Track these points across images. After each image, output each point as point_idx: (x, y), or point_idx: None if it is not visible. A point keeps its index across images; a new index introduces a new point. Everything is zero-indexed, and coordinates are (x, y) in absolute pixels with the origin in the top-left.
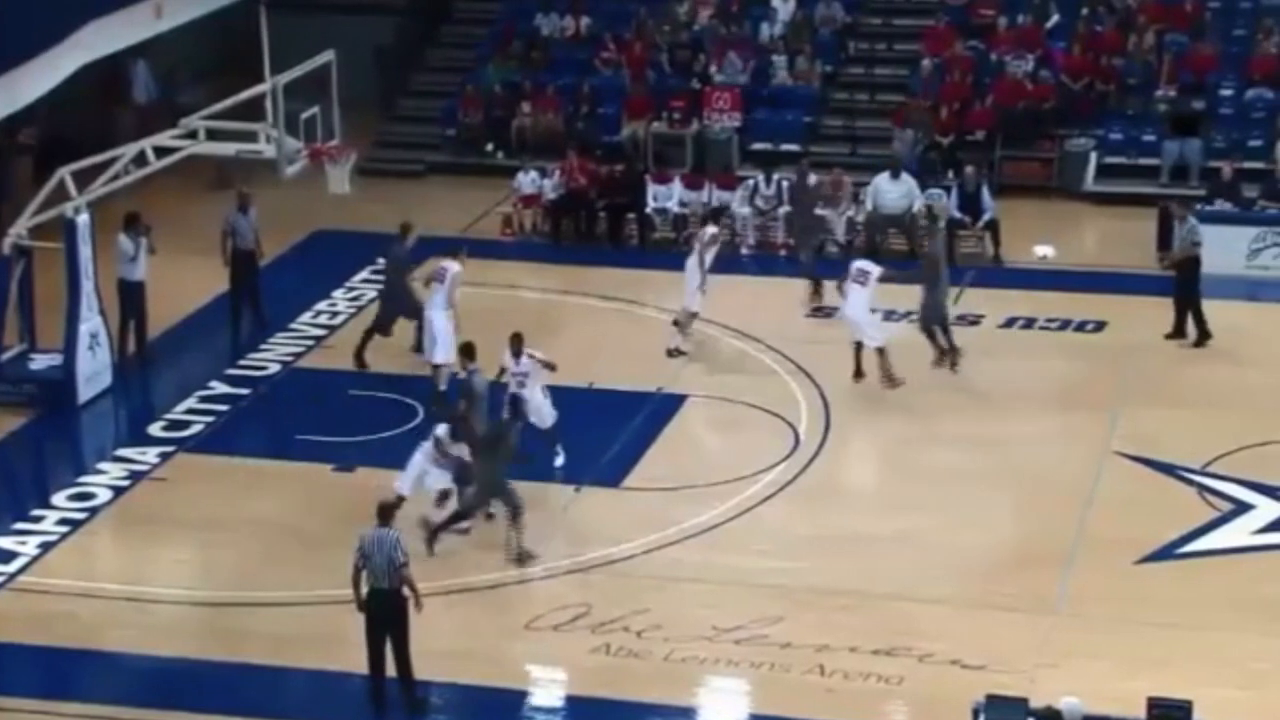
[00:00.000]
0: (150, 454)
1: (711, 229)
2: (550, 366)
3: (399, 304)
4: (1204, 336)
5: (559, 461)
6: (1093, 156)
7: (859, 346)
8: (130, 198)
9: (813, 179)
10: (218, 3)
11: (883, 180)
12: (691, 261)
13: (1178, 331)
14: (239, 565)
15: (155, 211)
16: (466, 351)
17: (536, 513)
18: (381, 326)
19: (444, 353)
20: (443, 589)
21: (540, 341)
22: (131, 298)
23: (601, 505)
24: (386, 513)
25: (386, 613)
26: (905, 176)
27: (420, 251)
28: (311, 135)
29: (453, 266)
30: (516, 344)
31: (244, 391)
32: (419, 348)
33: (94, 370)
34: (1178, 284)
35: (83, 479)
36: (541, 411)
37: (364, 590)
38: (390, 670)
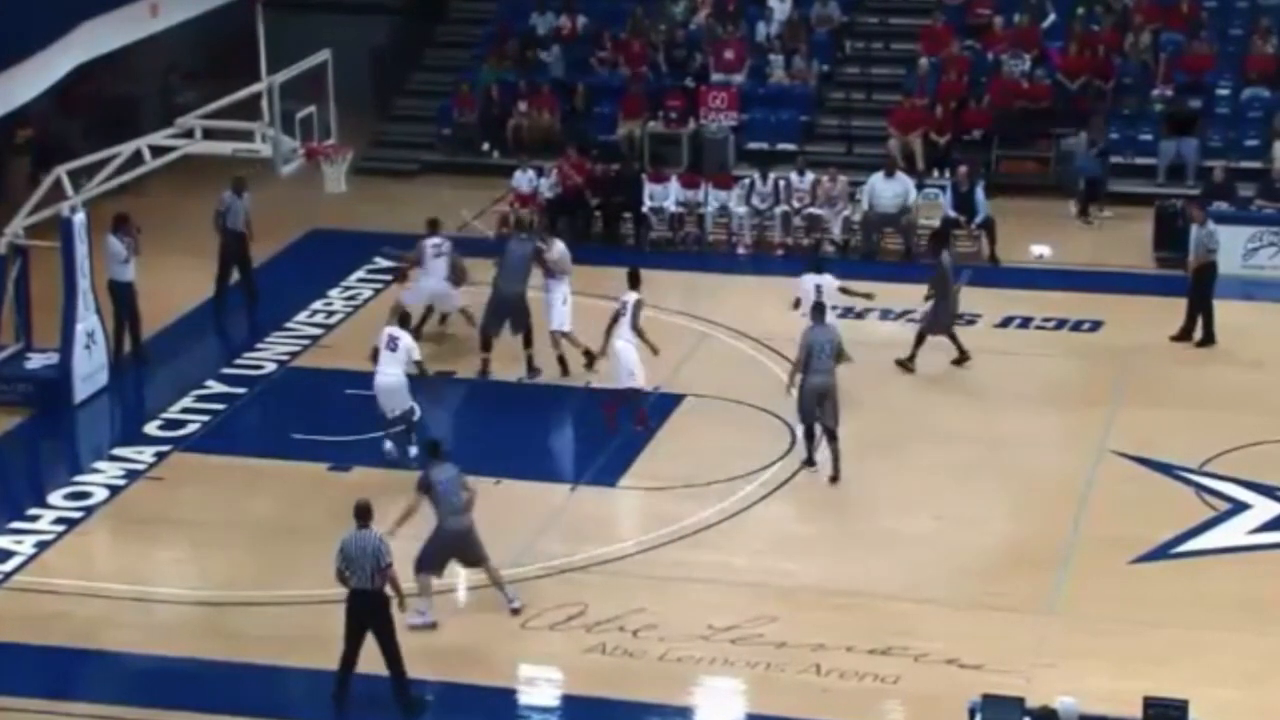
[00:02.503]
0: (146, 453)
1: (634, 295)
2: None
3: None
4: (1208, 340)
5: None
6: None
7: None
8: (126, 198)
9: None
10: (214, 2)
11: (878, 180)
12: (624, 338)
13: (1185, 334)
14: (235, 564)
15: (151, 212)
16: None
17: (534, 512)
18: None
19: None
20: (438, 588)
21: (536, 341)
22: (122, 298)
23: (597, 504)
24: (364, 514)
25: (370, 613)
26: (901, 176)
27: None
28: (307, 134)
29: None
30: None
31: (240, 391)
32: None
33: (90, 369)
34: (1193, 288)
35: (79, 478)
36: None
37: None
38: (381, 669)
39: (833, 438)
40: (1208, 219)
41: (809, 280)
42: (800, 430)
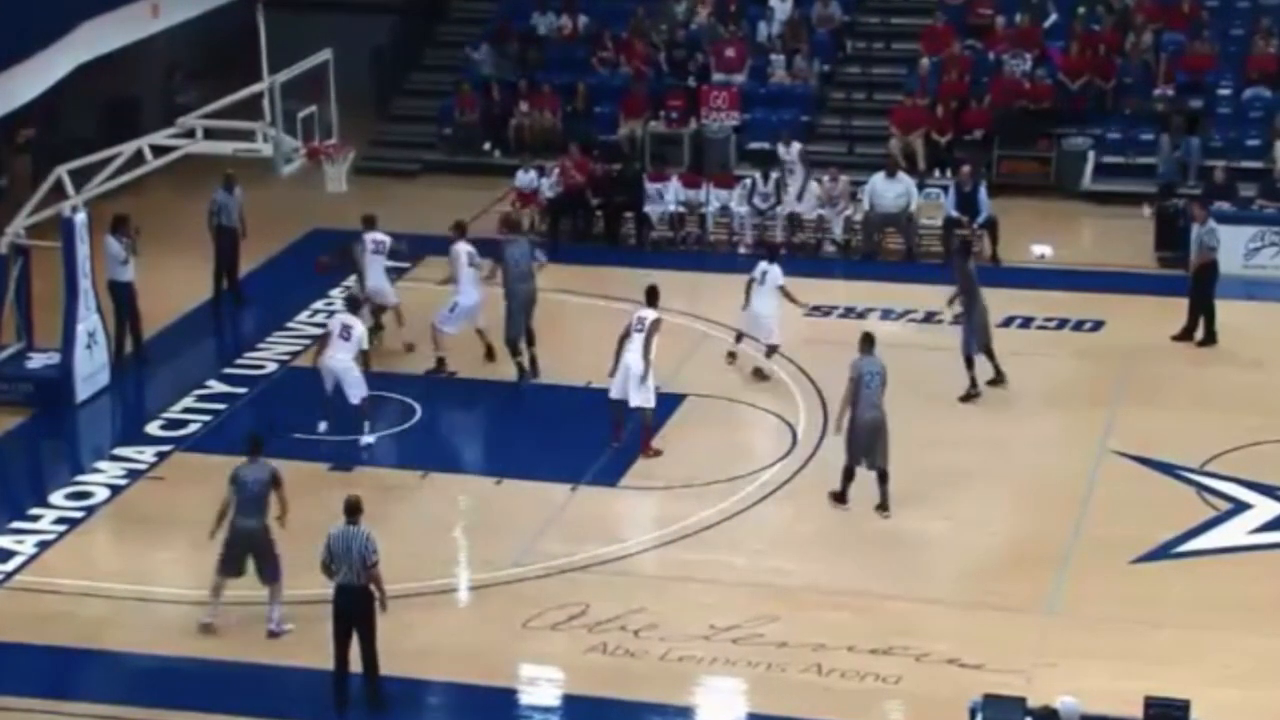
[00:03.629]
0: (148, 453)
1: (651, 313)
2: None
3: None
4: (1210, 339)
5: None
6: (1090, 155)
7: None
8: (127, 197)
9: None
10: (215, 1)
11: (879, 180)
12: (635, 350)
13: (1186, 334)
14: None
15: (151, 212)
16: None
17: (536, 512)
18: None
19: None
20: (439, 588)
21: (539, 340)
22: (122, 299)
23: (599, 504)
24: (354, 510)
25: (355, 609)
26: (902, 176)
27: (417, 247)
28: (309, 134)
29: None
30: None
31: (241, 390)
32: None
33: (91, 369)
34: (1194, 287)
35: (80, 478)
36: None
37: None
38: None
39: (884, 478)
40: (1209, 217)
41: (759, 266)
42: (842, 465)
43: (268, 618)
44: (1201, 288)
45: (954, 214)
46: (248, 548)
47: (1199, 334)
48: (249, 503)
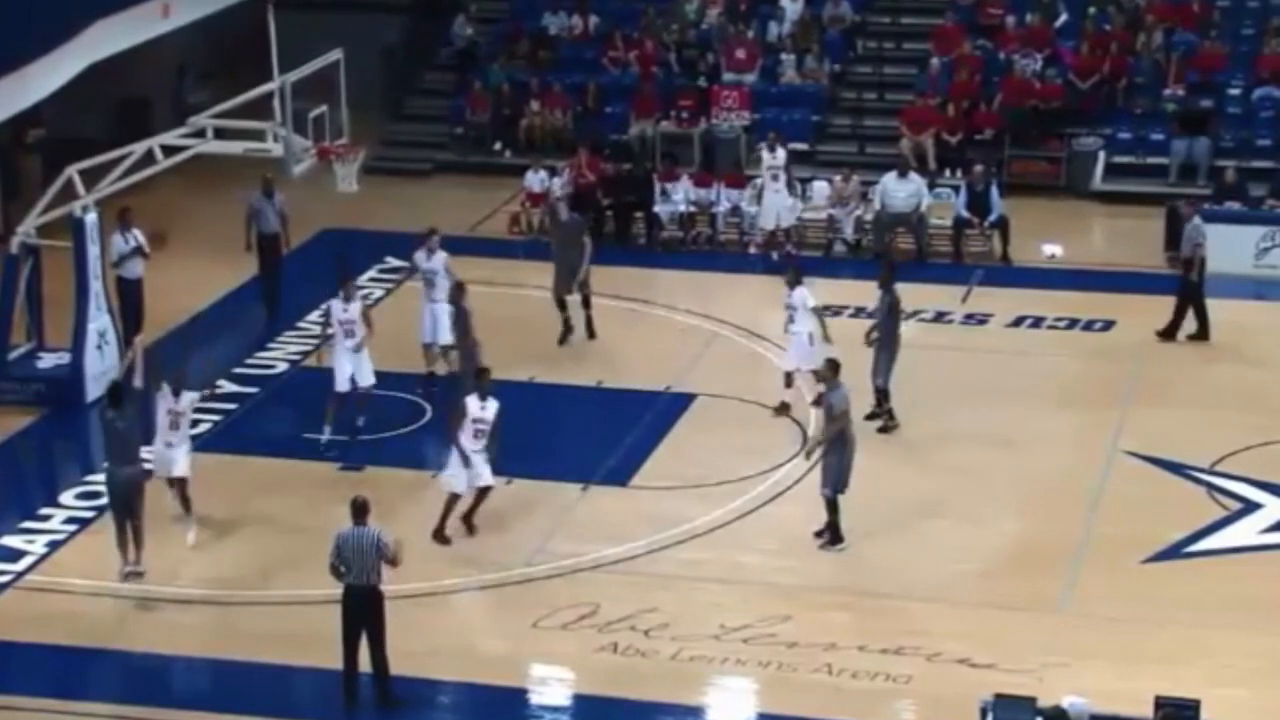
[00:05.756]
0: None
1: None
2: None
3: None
4: (1203, 333)
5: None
6: (1101, 155)
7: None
8: (138, 197)
9: (565, 214)
10: (225, 1)
11: (890, 180)
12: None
13: (1169, 333)
14: (246, 564)
15: (161, 212)
16: None
17: (546, 512)
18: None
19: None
20: (450, 588)
21: (547, 341)
22: (127, 295)
23: (609, 504)
24: (361, 511)
25: (364, 609)
26: (913, 176)
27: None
28: (319, 134)
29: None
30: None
31: (251, 390)
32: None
33: (102, 369)
34: (1182, 282)
35: (90, 477)
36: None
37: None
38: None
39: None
40: (1195, 214)
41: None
42: (827, 497)
43: (127, 559)
44: (1188, 282)
45: (964, 214)
46: (125, 496)
47: (1189, 326)
48: (122, 451)
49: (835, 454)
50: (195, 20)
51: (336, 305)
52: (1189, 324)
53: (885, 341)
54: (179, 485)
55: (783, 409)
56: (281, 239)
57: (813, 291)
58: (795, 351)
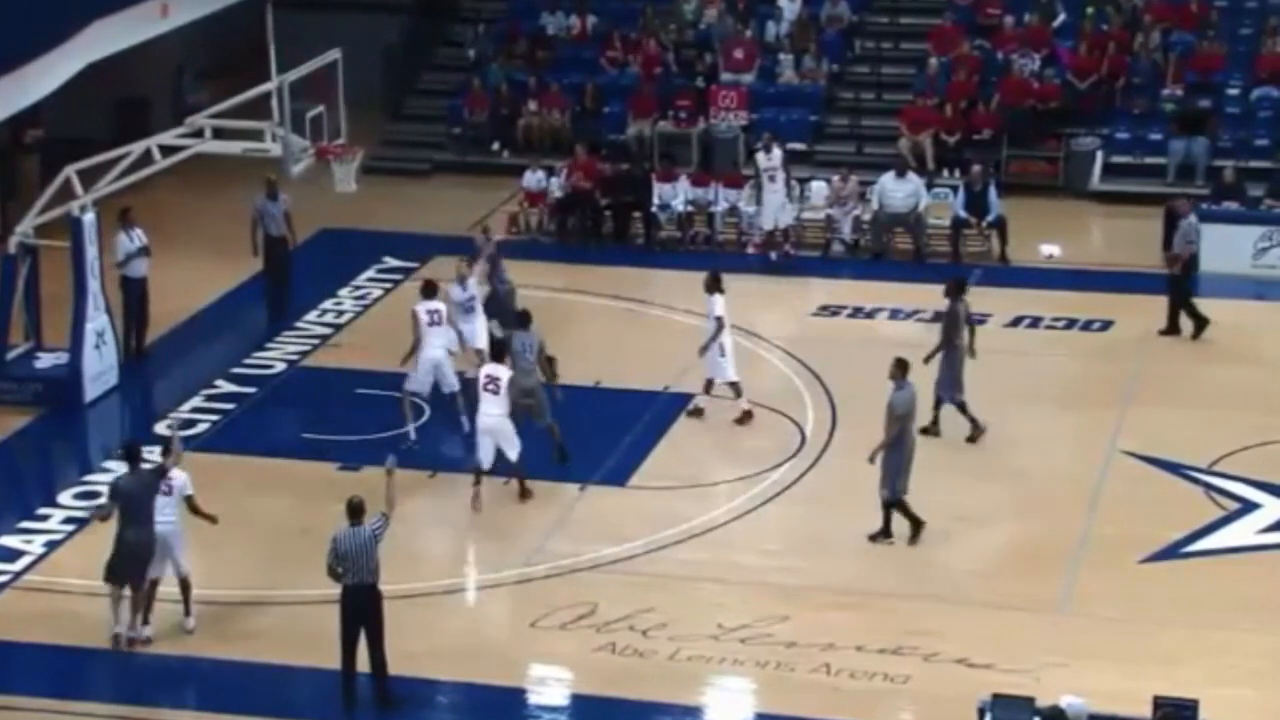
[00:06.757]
0: (156, 453)
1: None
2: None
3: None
4: (1200, 326)
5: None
6: (1099, 156)
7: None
8: (137, 197)
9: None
10: (224, 1)
11: (888, 180)
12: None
13: (1171, 329)
14: (244, 564)
15: (160, 211)
16: None
17: (544, 512)
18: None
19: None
20: (448, 588)
21: (546, 340)
22: (133, 294)
23: (607, 504)
24: (357, 512)
25: (363, 609)
26: (911, 176)
27: (426, 247)
28: (318, 134)
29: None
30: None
31: (250, 390)
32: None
33: (100, 369)
34: (1172, 280)
35: (89, 477)
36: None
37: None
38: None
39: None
40: (1191, 212)
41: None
42: (885, 500)
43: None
44: (1180, 281)
45: (962, 214)
46: (139, 559)
47: (1187, 326)
48: (133, 515)
49: (894, 456)
50: (194, 20)
51: (455, 289)
52: (1189, 324)
53: (949, 354)
54: (180, 584)
55: (696, 413)
56: (288, 241)
57: (723, 303)
58: (709, 362)
